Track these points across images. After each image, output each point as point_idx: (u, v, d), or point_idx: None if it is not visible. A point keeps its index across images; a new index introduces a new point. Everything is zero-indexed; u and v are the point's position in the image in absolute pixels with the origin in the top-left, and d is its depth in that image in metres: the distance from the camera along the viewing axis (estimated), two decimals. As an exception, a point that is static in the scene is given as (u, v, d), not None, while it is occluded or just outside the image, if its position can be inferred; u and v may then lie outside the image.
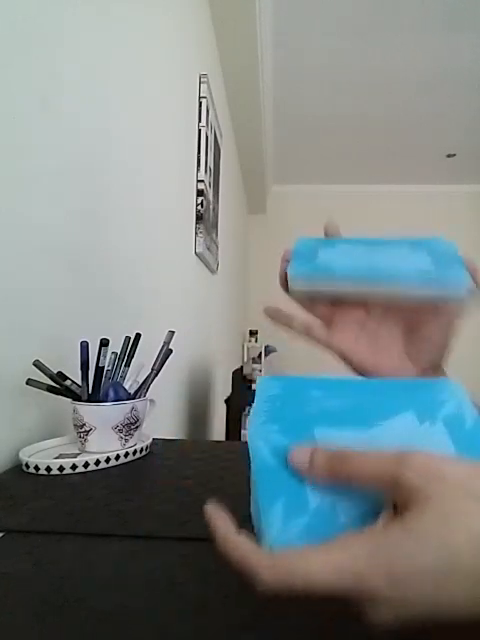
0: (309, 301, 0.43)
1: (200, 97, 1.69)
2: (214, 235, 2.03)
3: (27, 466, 0.49)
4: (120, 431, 0.55)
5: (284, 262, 0.33)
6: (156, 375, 0.62)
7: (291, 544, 0.22)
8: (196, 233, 1.67)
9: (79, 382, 0.56)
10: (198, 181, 1.69)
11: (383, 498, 0.23)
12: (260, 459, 0.25)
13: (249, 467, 0.25)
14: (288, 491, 0.24)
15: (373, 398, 0.27)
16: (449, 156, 3.67)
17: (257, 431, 0.26)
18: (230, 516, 0.24)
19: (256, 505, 0.25)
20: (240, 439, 2.26)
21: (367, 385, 0.28)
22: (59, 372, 0.56)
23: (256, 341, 3.87)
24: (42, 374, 0.54)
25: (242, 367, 2.57)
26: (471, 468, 0.22)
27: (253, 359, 3.76)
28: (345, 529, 0.23)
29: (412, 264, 0.29)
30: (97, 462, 0.50)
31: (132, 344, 0.62)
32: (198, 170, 1.68)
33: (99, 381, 0.57)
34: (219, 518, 0.24)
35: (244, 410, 2.35)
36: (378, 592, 0.20)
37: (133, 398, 0.59)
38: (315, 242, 0.31)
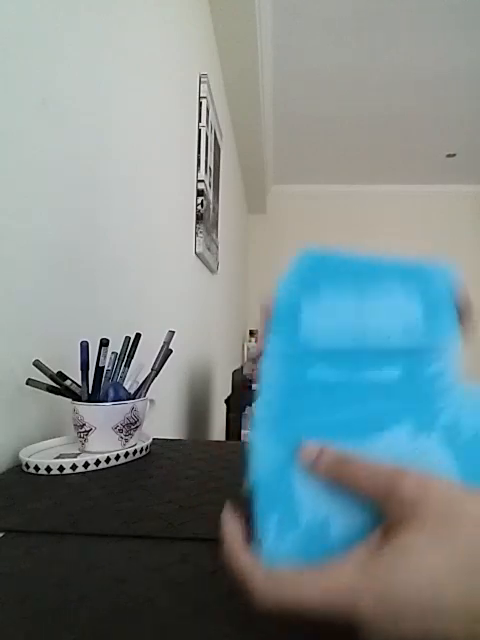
0: None
1: (200, 97, 1.69)
2: (214, 235, 2.03)
3: (27, 466, 0.49)
4: (120, 431, 0.55)
5: (265, 316, 0.31)
6: (156, 375, 0.62)
7: (284, 556, 0.23)
8: (196, 233, 1.67)
9: (79, 382, 0.56)
10: (198, 181, 1.69)
11: (377, 514, 0.23)
12: (260, 469, 0.26)
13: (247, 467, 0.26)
14: (283, 504, 0.25)
15: (374, 399, 0.26)
16: (449, 156, 3.67)
17: (258, 438, 0.26)
18: (241, 524, 0.25)
19: (256, 513, 0.25)
20: (240, 439, 2.26)
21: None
22: (59, 372, 0.56)
23: (256, 341, 3.87)
24: (42, 374, 0.54)
25: (242, 367, 2.57)
26: (467, 491, 0.22)
27: (253, 359, 3.76)
28: (337, 543, 0.23)
29: (400, 318, 0.28)
30: (97, 462, 0.50)
31: (132, 344, 0.62)
32: (198, 170, 1.68)
33: (99, 381, 0.57)
34: (231, 526, 0.25)
35: (244, 410, 2.35)
36: (368, 616, 0.20)
37: (133, 398, 0.59)
38: (298, 290, 0.28)
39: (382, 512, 0.23)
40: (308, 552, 0.23)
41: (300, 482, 0.25)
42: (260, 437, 0.26)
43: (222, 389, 2.54)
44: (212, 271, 2.11)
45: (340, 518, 0.24)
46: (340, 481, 0.24)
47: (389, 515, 0.22)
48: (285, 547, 0.24)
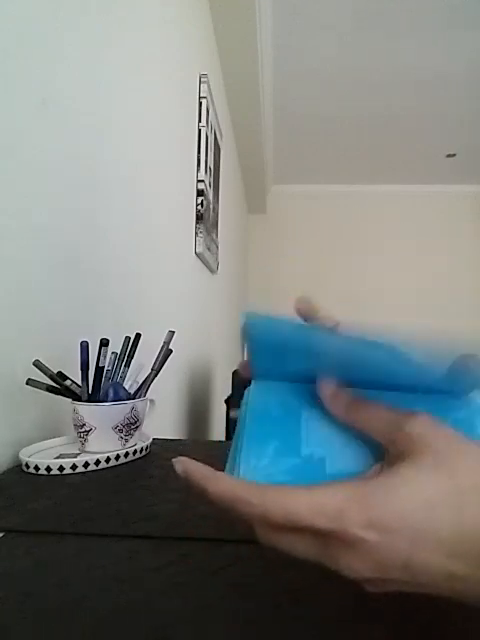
0: None
1: (200, 97, 1.69)
2: (214, 235, 2.03)
3: (27, 466, 0.49)
4: (120, 431, 0.55)
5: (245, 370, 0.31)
6: (156, 375, 0.62)
7: (271, 478, 0.23)
8: (196, 233, 1.67)
9: (79, 382, 0.56)
10: (198, 181, 1.69)
11: (377, 457, 0.24)
12: (264, 404, 0.26)
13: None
14: (283, 436, 0.25)
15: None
16: (449, 156, 3.67)
17: (268, 387, 0.27)
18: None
19: (239, 445, 0.25)
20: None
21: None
22: (59, 372, 0.56)
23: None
24: (42, 374, 0.54)
25: (242, 367, 2.57)
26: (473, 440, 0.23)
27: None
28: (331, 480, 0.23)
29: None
30: (97, 462, 0.50)
31: (132, 344, 0.62)
32: (198, 170, 1.68)
33: (99, 381, 0.57)
34: (191, 464, 0.24)
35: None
36: (354, 534, 0.20)
37: (133, 398, 0.59)
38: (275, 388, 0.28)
39: (386, 451, 0.23)
40: (301, 481, 0.22)
41: (309, 418, 0.26)
42: (266, 380, 0.27)
43: (222, 389, 2.54)
44: (212, 271, 2.11)
45: (339, 460, 0.24)
46: (354, 419, 0.25)
47: (392, 450, 0.23)
48: (279, 469, 0.24)
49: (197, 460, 0.24)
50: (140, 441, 0.59)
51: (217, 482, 0.22)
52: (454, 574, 0.20)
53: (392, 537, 0.20)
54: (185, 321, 1.56)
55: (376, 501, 0.20)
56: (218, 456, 0.56)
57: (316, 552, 0.21)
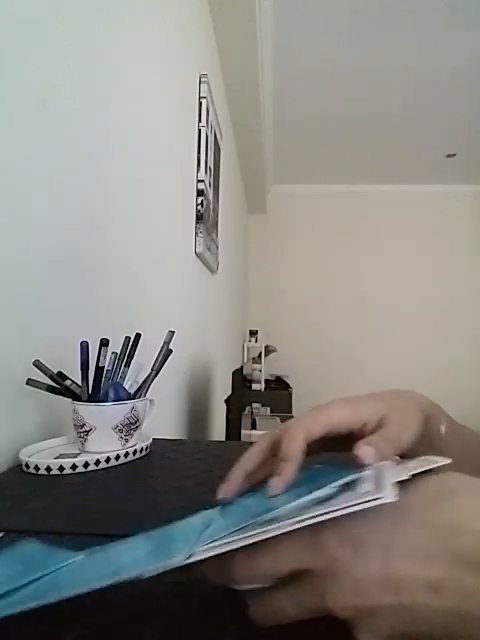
0: None
1: (200, 97, 1.69)
2: (214, 235, 2.03)
3: (27, 466, 0.49)
4: (120, 431, 0.55)
5: None
6: (156, 375, 0.62)
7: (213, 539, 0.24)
8: (196, 233, 1.67)
9: (79, 382, 0.56)
10: (198, 181, 1.69)
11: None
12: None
13: None
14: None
15: None
16: (449, 156, 3.67)
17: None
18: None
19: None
20: (240, 439, 2.26)
21: None
22: (59, 372, 0.56)
23: (256, 341, 3.88)
24: (42, 374, 0.54)
25: (242, 367, 2.57)
26: None
27: (253, 359, 3.76)
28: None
29: None
30: (97, 462, 0.50)
31: (132, 344, 0.62)
32: (198, 170, 1.68)
33: (99, 381, 0.57)
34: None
35: (244, 410, 2.35)
36: (332, 552, 0.21)
37: (133, 398, 0.59)
38: None
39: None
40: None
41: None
42: None
43: (222, 389, 2.54)
44: (212, 271, 2.11)
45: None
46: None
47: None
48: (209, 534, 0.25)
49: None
50: (140, 441, 0.59)
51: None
52: (433, 582, 0.19)
53: (365, 549, 0.21)
54: (185, 321, 1.56)
55: (346, 524, 0.21)
56: (218, 456, 0.56)
57: (303, 598, 0.22)
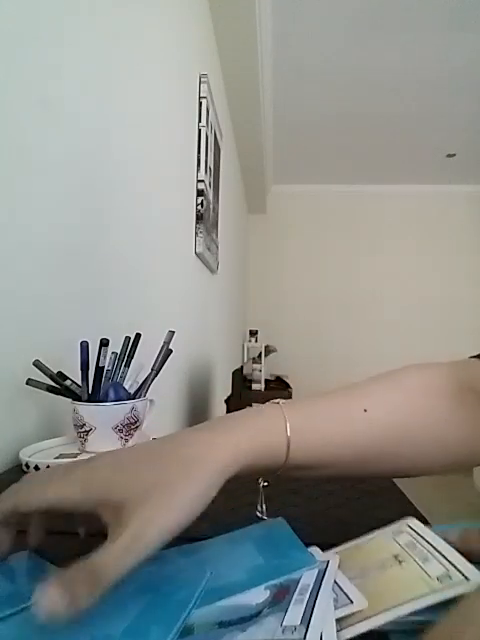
0: None
1: (200, 97, 1.69)
2: (214, 235, 2.03)
3: (27, 466, 0.49)
4: (120, 431, 0.55)
5: None
6: (156, 375, 0.62)
7: None
8: (196, 233, 1.67)
9: (79, 382, 0.56)
10: (198, 181, 1.69)
11: None
12: None
13: None
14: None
15: None
16: (449, 156, 3.67)
17: None
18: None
19: None
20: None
21: None
22: (59, 372, 0.56)
23: (256, 341, 3.87)
24: (42, 374, 0.54)
25: (242, 367, 2.57)
26: None
27: (253, 359, 3.76)
28: None
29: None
30: (97, 462, 0.50)
31: (132, 344, 0.62)
32: (198, 170, 1.68)
33: (99, 381, 0.57)
34: None
35: (244, 410, 2.35)
36: None
37: (133, 398, 0.59)
38: None
39: None
40: None
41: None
42: None
43: (222, 389, 2.54)
44: (212, 271, 2.11)
45: None
46: None
47: None
48: None
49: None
50: (140, 441, 0.59)
51: None
52: None
53: None
54: (185, 321, 1.56)
55: None
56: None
57: None
